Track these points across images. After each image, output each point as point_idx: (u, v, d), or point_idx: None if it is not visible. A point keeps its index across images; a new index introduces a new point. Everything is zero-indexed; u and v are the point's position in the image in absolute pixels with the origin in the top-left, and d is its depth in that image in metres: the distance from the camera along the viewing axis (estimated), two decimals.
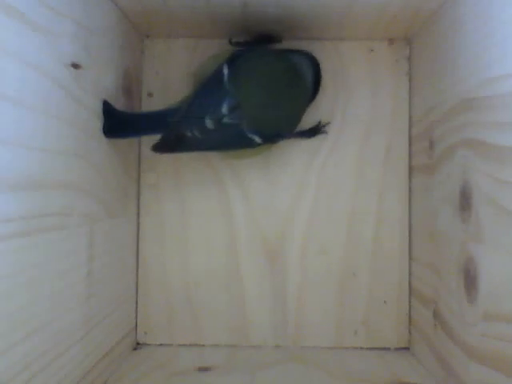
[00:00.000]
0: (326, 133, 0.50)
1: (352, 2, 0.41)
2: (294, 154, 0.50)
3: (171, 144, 0.42)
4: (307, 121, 0.48)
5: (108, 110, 0.41)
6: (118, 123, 0.42)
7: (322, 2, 0.41)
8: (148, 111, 0.47)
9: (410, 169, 0.50)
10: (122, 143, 0.45)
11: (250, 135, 0.43)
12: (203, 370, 0.44)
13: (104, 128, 0.40)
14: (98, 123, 0.39)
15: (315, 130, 0.50)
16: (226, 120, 0.42)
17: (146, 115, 0.45)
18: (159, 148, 0.42)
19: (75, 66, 0.34)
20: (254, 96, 0.43)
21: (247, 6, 0.42)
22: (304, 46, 0.49)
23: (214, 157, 0.50)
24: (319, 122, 0.50)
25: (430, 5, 0.41)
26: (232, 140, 0.44)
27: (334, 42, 0.50)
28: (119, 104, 0.44)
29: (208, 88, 0.43)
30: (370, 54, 0.50)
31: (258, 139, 0.43)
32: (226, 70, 0.43)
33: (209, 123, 0.42)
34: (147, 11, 0.44)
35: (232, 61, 0.43)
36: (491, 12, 0.32)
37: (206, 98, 0.43)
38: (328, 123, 0.50)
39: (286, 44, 0.48)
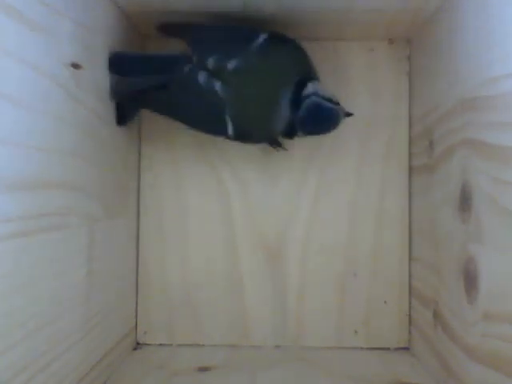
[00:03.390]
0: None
1: (351, 2, 0.41)
2: (293, 153, 0.50)
3: None
4: None
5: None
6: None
7: (322, 2, 0.41)
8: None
9: (410, 169, 0.50)
10: (121, 143, 0.45)
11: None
12: (203, 369, 0.44)
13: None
14: (97, 123, 0.39)
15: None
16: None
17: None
18: None
19: (75, 65, 0.34)
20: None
21: (247, 7, 0.42)
22: (303, 45, 0.49)
23: (214, 157, 0.50)
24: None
25: (430, 5, 0.41)
26: None
27: (334, 42, 0.50)
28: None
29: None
30: (369, 54, 0.50)
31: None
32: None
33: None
34: (147, 11, 0.44)
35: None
36: (492, 11, 0.32)
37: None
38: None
39: None
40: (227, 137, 0.43)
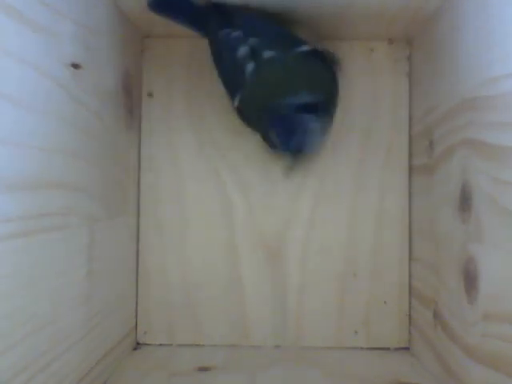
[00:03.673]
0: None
1: (352, 1, 0.41)
2: None
3: None
4: None
5: None
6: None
7: (322, 1, 0.41)
8: None
9: (410, 169, 0.50)
10: (122, 143, 0.45)
11: None
12: (203, 369, 0.44)
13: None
14: (98, 123, 0.39)
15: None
16: None
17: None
18: None
19: (75, 66, 0.34)
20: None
21: (247, 6, 0.42)
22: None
23: (214, 157, 0.50)
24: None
25: (430, 4, 0.41)
26: None
27: (334, 41, 0.50)
28: (119, 104, 0.44)
29: None
30: (370, 54, 0.50)
31: None
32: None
33: None
34: (147, 11, 0.44)
35: None
36: (492, 11, 0.32)
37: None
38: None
39: None
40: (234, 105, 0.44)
